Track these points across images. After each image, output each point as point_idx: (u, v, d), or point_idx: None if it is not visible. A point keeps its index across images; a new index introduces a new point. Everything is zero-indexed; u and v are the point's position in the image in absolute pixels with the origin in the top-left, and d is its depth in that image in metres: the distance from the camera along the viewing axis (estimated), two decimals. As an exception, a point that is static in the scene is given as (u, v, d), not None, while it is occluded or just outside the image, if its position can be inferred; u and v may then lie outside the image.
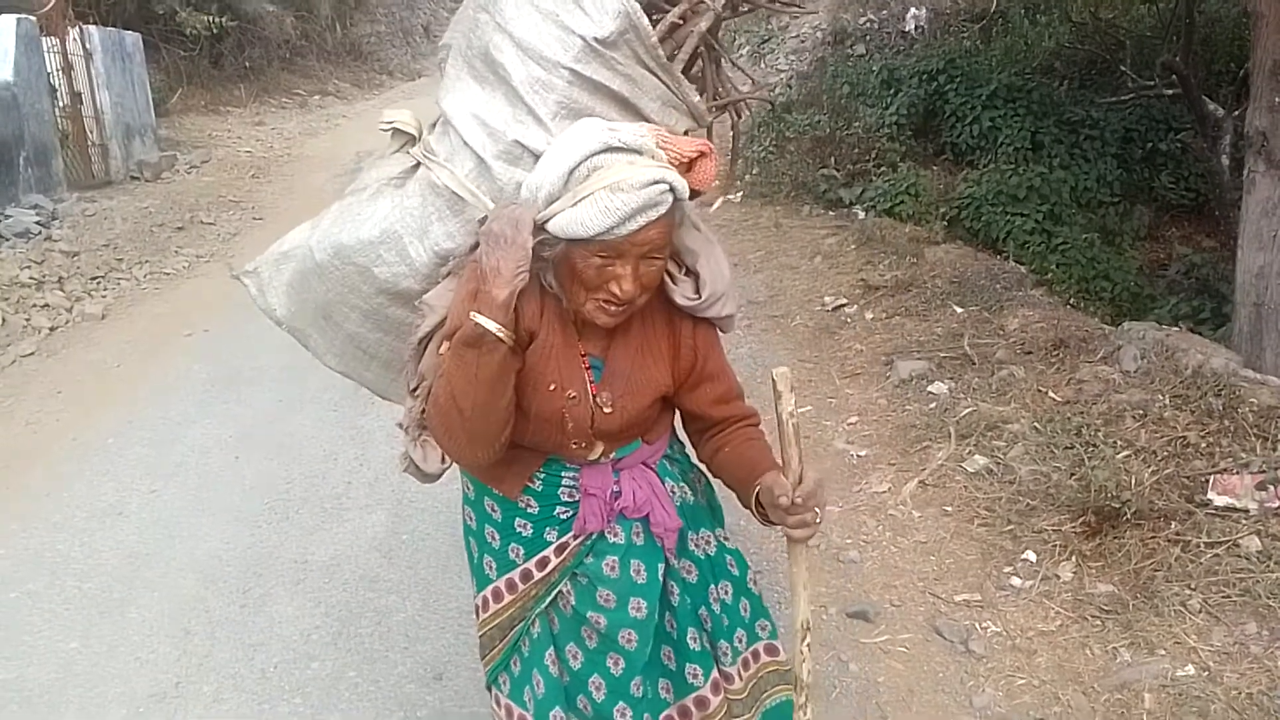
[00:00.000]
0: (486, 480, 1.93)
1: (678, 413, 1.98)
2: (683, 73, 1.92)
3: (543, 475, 1.89)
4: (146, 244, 8.73)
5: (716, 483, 1.99)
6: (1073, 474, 3.70)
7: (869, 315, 6.17)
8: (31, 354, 6.29)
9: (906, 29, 13.02)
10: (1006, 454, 4.03)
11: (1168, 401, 4.00)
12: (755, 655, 2.01)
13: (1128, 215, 10.24)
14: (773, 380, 1.54)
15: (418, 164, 1.96)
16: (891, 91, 11.02)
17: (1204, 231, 10.38)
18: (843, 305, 6.43)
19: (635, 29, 1.79)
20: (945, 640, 3.11)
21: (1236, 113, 8.70)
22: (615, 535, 1.89)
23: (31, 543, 3.98)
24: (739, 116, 2.10)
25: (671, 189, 1.59)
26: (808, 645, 1.64)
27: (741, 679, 1.98)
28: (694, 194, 1.74)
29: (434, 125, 2.04)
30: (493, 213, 1.71)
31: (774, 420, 1.63)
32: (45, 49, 9.91)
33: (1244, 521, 3.27)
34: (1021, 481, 3.81)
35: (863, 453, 4.44)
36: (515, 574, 1.92)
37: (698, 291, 1.79)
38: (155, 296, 7.63)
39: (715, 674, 1.95)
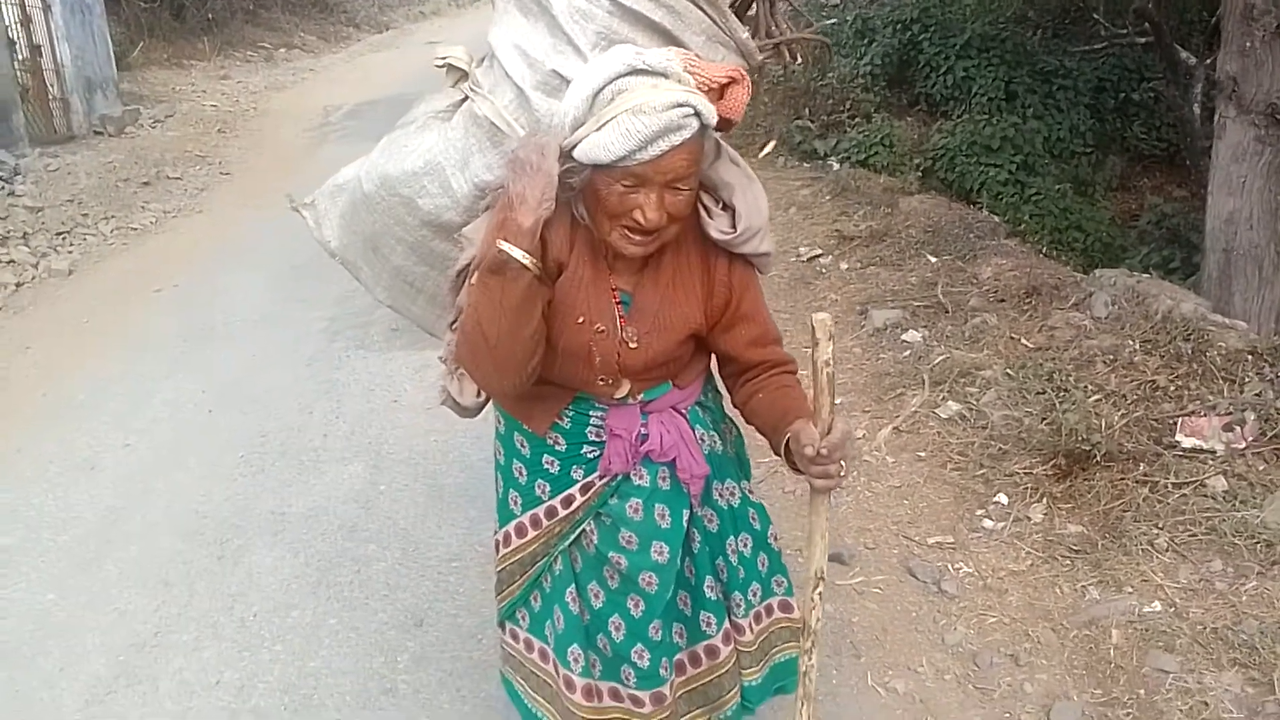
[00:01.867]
0: (516, 415, 1.94)
1: (714, 359, 1.96)
2: (735, 10, 1.86)
3: (571, 413, 1.89)
4: (112, 199, 8.58)
5: (748, 435, 1.98)
6: (1044, 418, 3.74)
7: (844, 265, 6.18)
8: (-3, 310, 6.21)
9: (881, -22, 12.88)
10: (979, 400, 4.07)
11: (1138, 346, 4.05)
12: (769, 610, 2.02)
13: (1100, 165, 10.29)
14: (811, 327, 1.50)
15: (465, 98, 1.96)
16: (866, 41, 10.96)
17: (1175, 181, 10.45)
18: (818, 256, 6.44)
19: None
20: (918, 581, 3.16)
21: (1208, 61, 8.72)
22: (640, 478, 1.88)
23: (4, 498, 3.95)
24: (793, 59, 2.03)
25: (696, 113, 1.55)
26: (819, 594, 1.64)
27: (753, 632, 2.00)
28: (725, 123, 1.71)
29: (483, 59, 2.04)
30: (521, 140, 1.71)
31: (812, 367, 1.58)
32: (2, 1, 9.64)
33: (1211, 462, 3.32)
34: (994, 426, 3.85)
35: (838, 401, 4.45)
36: (540, 510, 1.94)
37: (734, 225, 1.75)
38: (123, 252, 7.52)
39: (727, 624, 1.97)
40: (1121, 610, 2.85)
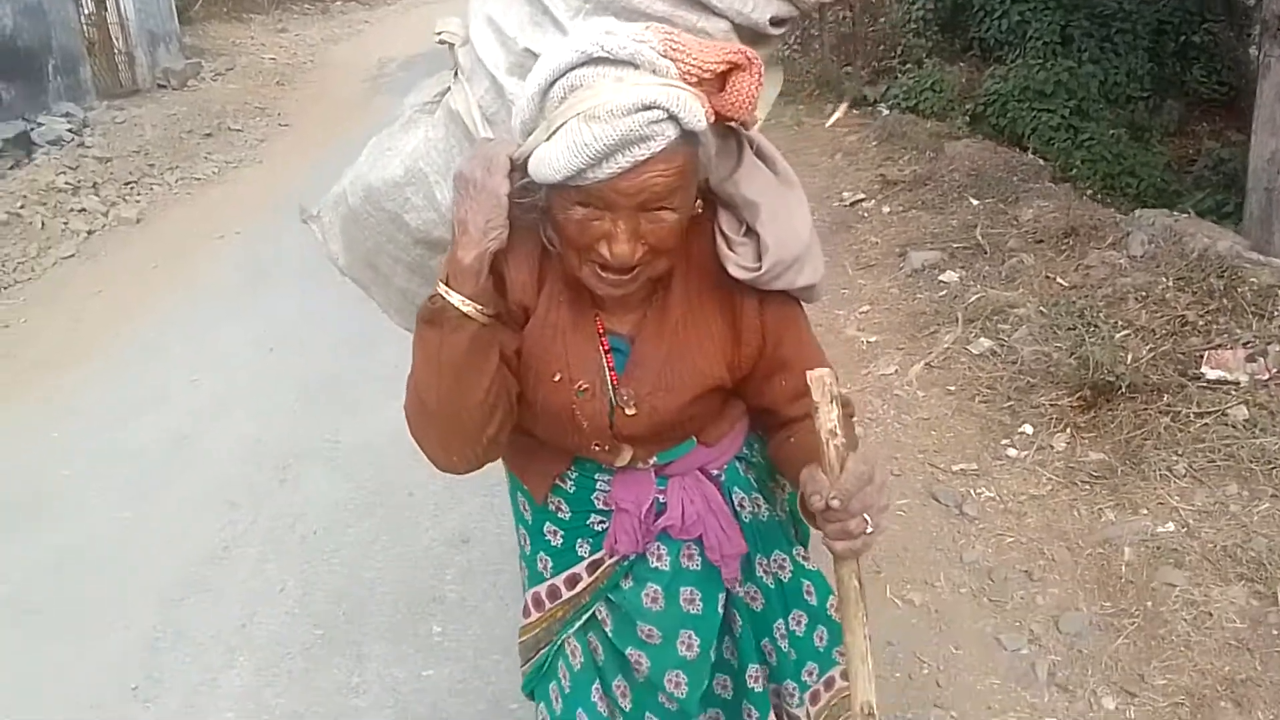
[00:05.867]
0: (514, 470, 1.63)
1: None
2: None
3: (574, 475, 1.54)
4: (177, 150, 8.89)
5: None
6: (1073, 353, 3.81)
7: (886, 209, 6.22)
8: (71, 256, 6.53)
9: (935, -80, 12.65)
10: (1011, 336, 4.14)
11: (1171, 284, 4.08)
12: (829, 683, 1.65)
13: (1158, 110, 10.08)
14: (809, 386, 1.16)
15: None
16: (918, -15, 10.81)
17: (1235, 126, 10.19)
18: (861, 200, 6.48)
19: None
20: (941, 505, 3.28)
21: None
22: (659, 559, 1.54)
23: (83, 425, 4.25)
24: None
25: (673, 117, 1.16)
26: None
27: (810, 716, 1.64)
28: (723, 119, 1.27)
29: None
30: (470, 151, 1.35)
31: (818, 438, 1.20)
32: (67, -44, 9.93)
33: (1234, 392, 3.38)
34: (1023, 361, 3.93)
35: (873, 339, 4.57)
36: (543, 589, 1.62)
37: (759, 259, 1.36)
38: (187, 201, 7.82)
39: (772, 718, 1.64)
40: (1135, 531, 2.95)
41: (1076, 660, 2.58)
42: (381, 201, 1.57)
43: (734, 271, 1.36)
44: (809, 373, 1.16)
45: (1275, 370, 3.38)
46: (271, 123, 10.23)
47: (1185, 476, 3.14)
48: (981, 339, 4.20)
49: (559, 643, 1.61)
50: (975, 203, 5.87)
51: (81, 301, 5.79)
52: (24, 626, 3.07)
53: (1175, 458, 3.20)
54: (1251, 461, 3.10)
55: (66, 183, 7.45)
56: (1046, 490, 3.26)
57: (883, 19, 10.20)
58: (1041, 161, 7.06)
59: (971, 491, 3.33)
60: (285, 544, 3.38)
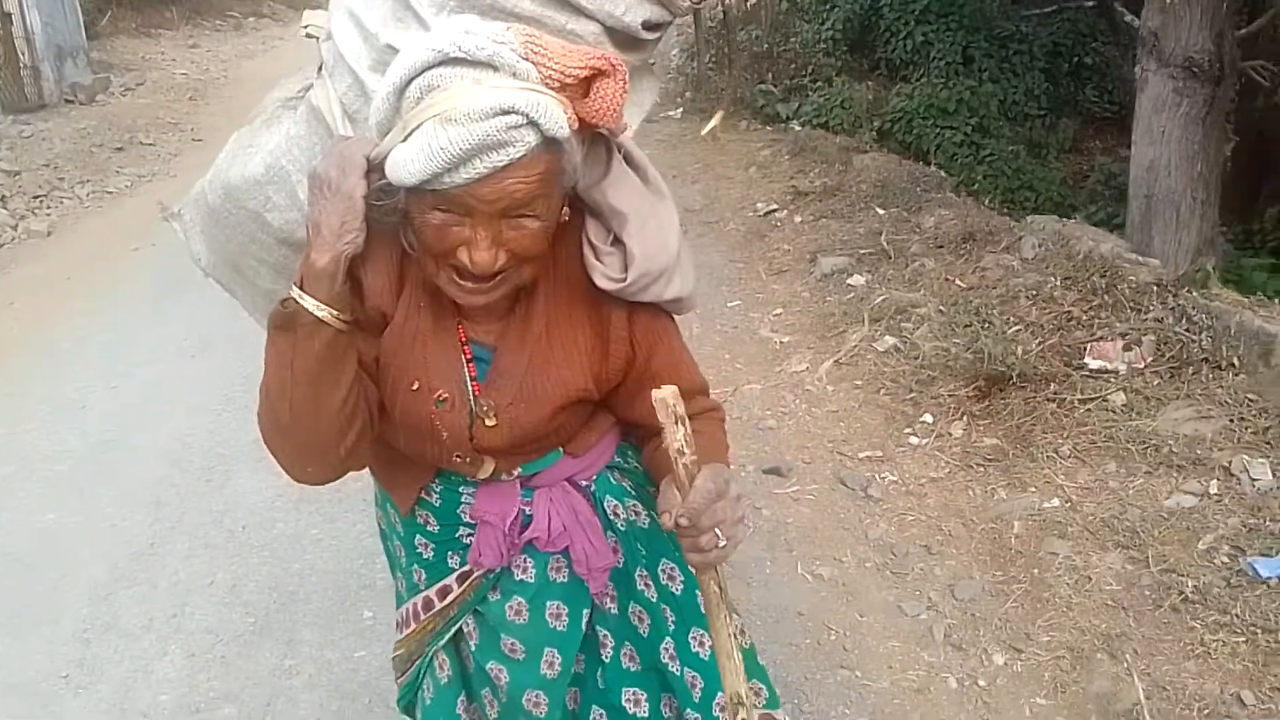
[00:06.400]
0: (382, 482, 1.60)
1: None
2: None
3: (439, 488, 1.52)
4: (87, 164, 8.75)
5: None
6: (969, 348, 4.06)
7: (798, 219, 6.47)
8: (-20, 269, 6.41)
9: (843, -55, 13.10)
10: (913, 334, 4.38)
11: (1058, 283, 4.37)
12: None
13: (1054, 128, 10.61)
14: (654, 405, 1.15)
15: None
16: (828, 6, 11.18)
17: (1125, 143, 10.75)
18: (773, 210, 6.73)
19: None
20: (848, 489, 3.49)
21: (1151, 24, 9.04)
22: (524, 571, 1.52)
23: (3, 432, 4.21)
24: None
25: (533, 123, 1.13)
26: None
27: None
28: (588, 126, 1.24)
29: None
30: (326, 150, 1.31)
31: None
32: (-29, -33, 9.75)
33: (1113, 380, 3.66)
34: (924, 356, 4.17)
35: (786, 339, 4.78)
36: (418, 601, 1.59)
37: (626, 269, 1.34)
38: (99, 214, 7.72)
39: None
40: (1024, 506, 3.19)
41: (970, 623, 2.80)
42: (242, 200, 1.51)
43: (600, 282, 1.34)
44: (653, 393, 1.14)
45: (1149, 359, 3.67)
46: (184, 137, 10.12)
47: (1069, 457, 3.39)
48: (886, 337, 4.43)
49: (429, 656, 1.60)
50: (881, 212, 6.15)
51: (-8, 314, 5.71)
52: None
53: (1060, 440, 3.46)
54: (1128, 442, 3.36)
55: (-27, 196, 7.31)
56: (945, 473, 3.49)
57: (794, 38, 10.54)
58: (943, 174, 7.40)
59: (876, 476, 3.54)
60: (213, 539, 3.42)
